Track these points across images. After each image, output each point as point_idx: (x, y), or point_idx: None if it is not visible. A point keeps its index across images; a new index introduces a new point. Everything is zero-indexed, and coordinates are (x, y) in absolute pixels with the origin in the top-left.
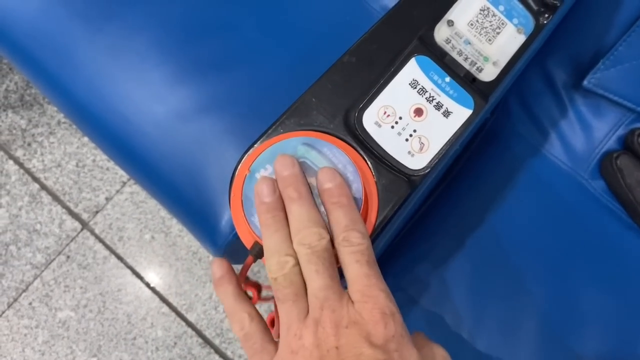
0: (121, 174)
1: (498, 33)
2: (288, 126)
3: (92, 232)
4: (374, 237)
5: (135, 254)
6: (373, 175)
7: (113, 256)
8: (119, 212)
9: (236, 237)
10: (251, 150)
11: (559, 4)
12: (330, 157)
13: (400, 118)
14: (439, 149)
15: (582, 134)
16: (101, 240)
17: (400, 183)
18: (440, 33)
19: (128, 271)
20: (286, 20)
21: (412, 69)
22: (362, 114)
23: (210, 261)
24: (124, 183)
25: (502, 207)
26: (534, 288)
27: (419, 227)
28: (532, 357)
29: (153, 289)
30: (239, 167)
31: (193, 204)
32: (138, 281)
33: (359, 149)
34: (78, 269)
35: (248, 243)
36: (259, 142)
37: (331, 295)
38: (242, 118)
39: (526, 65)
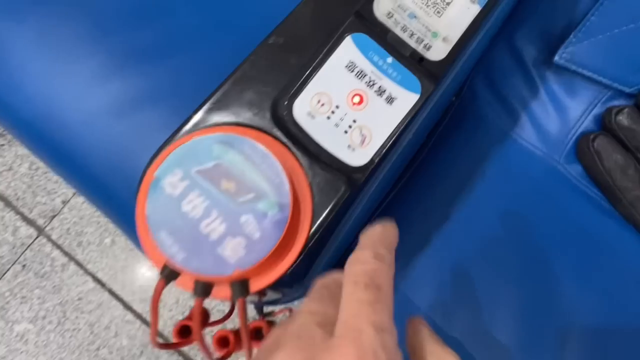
0: None
1: (448, 4)
2: (203, 122)
3: (49, 239)
4: (309, 249)
5: (95, 259)
6: (306, 175)
7: (72, 263)
8: (77, 216)
9: None
10: (159, 154)
11: None
12: (252, 156)
13: (337, 107)
14: (383, 140)
15: (556, 114)
16: (59, 247)
17: (339, 183)
18: (381, 6)
19: (89, 278)
20: (228, 1)
21: (348, 49)
22: (292, 103)
23: None
24: None
25: (470, 199)
26: (508, 287)
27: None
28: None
29: (116, 296)
30: (145, 173)
31: (128, 207)
32: (100, 288)
33: (289, 144)
34: (35, 278)
35: (158, 263)
36: (168, 143)
37: (307, 322)
38: (182, 111)
39: (491, 42)
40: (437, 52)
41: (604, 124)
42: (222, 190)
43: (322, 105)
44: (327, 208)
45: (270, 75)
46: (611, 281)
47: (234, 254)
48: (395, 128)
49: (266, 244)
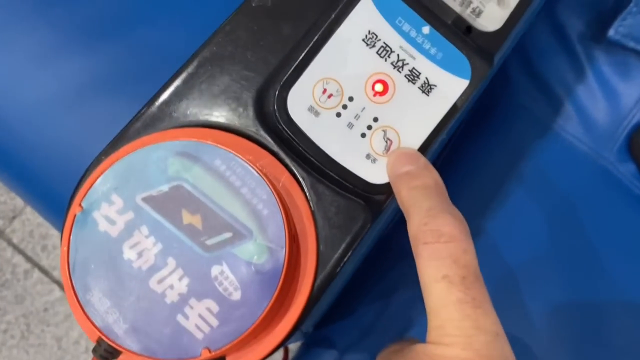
0: None
1: None
2: (155, 123)
3: (10, 242)
4: (312, 306)
5: None
6: (308, 200)
7: (36, 269)
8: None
9: None
10: (89, 173)
11: None
12: (226, 174)
13: (351, 99)
14: (417, 147)
15: (606, 102)
16: (21, 251)
17: (356, 210)
18: None
19: (55, 286)
20: None
21: (366, 15)
22: (287, 94)
23: None
24: None
25: (504, 204)
26: (546, 310)
27: (392, 240)
28: None
29: None
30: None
31: None
32: None
33: (282, 155)
34: None
35: (90, 334)
36: (103, 156)
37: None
38: (143, 99)
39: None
40: (491, 19)
41: None
42: (183, 228)
43: (330, 96)
44: (339, 248)
45: (254, 53)
46: None
47: (202, 326)
48: (435, 129)
49: (250, 308)
